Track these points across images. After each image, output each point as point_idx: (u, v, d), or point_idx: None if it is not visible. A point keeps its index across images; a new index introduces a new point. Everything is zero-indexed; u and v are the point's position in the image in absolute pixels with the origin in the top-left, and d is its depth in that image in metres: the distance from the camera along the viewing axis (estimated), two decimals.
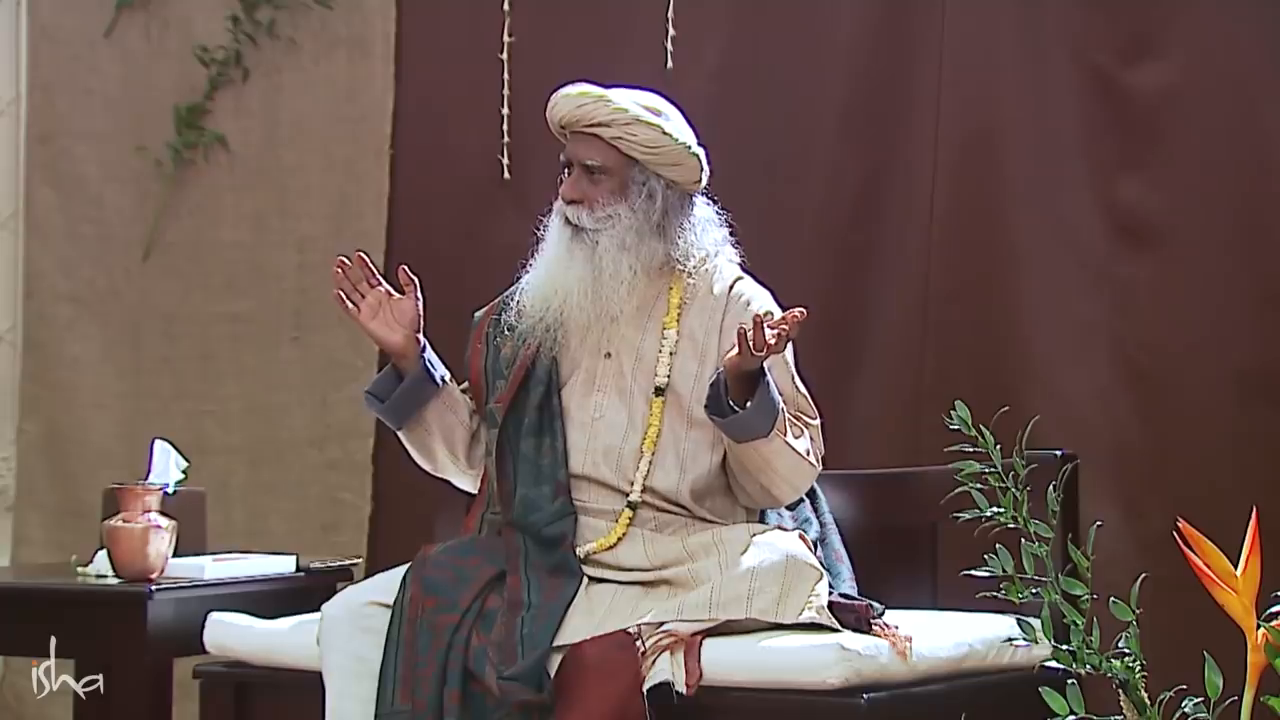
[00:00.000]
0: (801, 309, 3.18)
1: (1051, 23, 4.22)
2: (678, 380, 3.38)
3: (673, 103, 3.48)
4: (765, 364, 3.23)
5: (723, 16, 4.54)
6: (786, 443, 3.27)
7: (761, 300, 3.44)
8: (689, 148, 3.41)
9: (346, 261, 3.44)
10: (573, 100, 3.40)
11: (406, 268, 3.48)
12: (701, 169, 3.44)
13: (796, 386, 3.39)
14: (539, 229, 3.49)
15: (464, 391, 3.54)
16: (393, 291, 3.45)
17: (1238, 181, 4.06)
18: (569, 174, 3.43)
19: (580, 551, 3.31)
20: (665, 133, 3.39)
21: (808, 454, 3.32)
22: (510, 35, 4.72)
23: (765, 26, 4.50)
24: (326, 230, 4.92)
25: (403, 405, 3.44)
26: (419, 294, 3.46)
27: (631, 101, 3.40)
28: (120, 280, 5.09)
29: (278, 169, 4.98)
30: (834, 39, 4.43)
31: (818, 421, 3.38)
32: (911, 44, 4.35)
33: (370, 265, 3.45)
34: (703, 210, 3.48)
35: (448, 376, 3.49)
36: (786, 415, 3.28)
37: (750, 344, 3.15)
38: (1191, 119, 4.10)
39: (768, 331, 3.16)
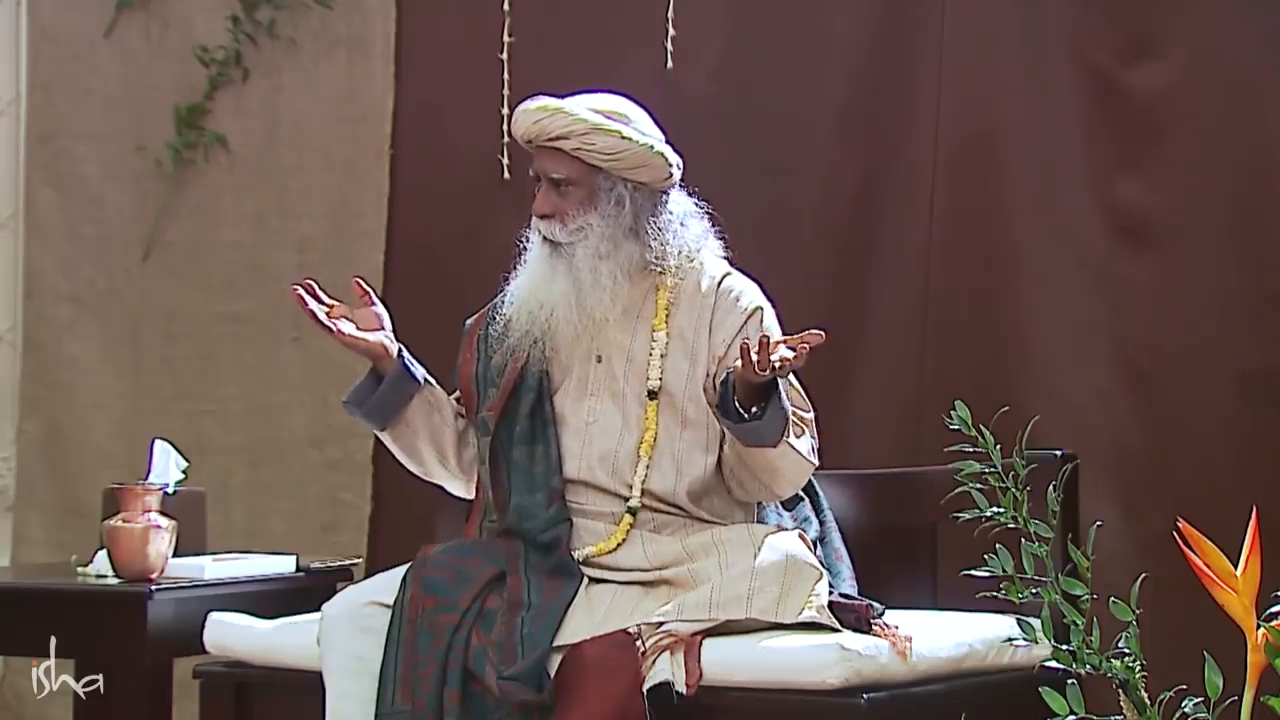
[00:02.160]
0: (819, 331, 3.14)
1: (1051, 23, 4.22)
2: (670, 381, 3.38)
3: (638, 103, 3.46)
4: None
5: (723, 16, 4.54)
6: (791, 445, 3.26)
7: (750, 295, 3.44)
8: (652, 148, 3.39)
9: (303, 294, 3.42)
10: (530, 115, 3.39)
11: (360, 280, 3.48)
12: (670, 166, 3.42)
13: (790, 380, 3.38)
14: (528, 236, 3.49)
15: (455, 399, 3.54)
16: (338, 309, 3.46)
17: (1237, 181, 4.06)
18: (539, 184, 3.42)
19: (579, 555, 3.31)
20: (624, 137, 3.36)
21: (809, 453, 3.32)
22: (510, 35, 4.72)
23: (765, 26, 4.50)
24: (326, 230, 4.92)
25: (384, 405, 3.44)
26: (374, 300, 3.47)
27: (588, 110, 3.37)
28: (120, 280, 5.08)
29: (278, 169, 4.98)
30: (834, 39, 4.43)
31: (812, 415, 3.37)
32: (911, 44, 4.34)
33: (318, 290, 3.44)
34: (679, 205, 3.45)
35: (428, 377, 3.49)
36: (791, 419, 3.27)
37: (754, 363, 3.13)
38: (1191, 119, 4.10)
39: (781, 351, 3.12)
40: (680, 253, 3.43)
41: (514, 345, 3.44)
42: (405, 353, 3.46)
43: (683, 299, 3.42)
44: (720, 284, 3.43)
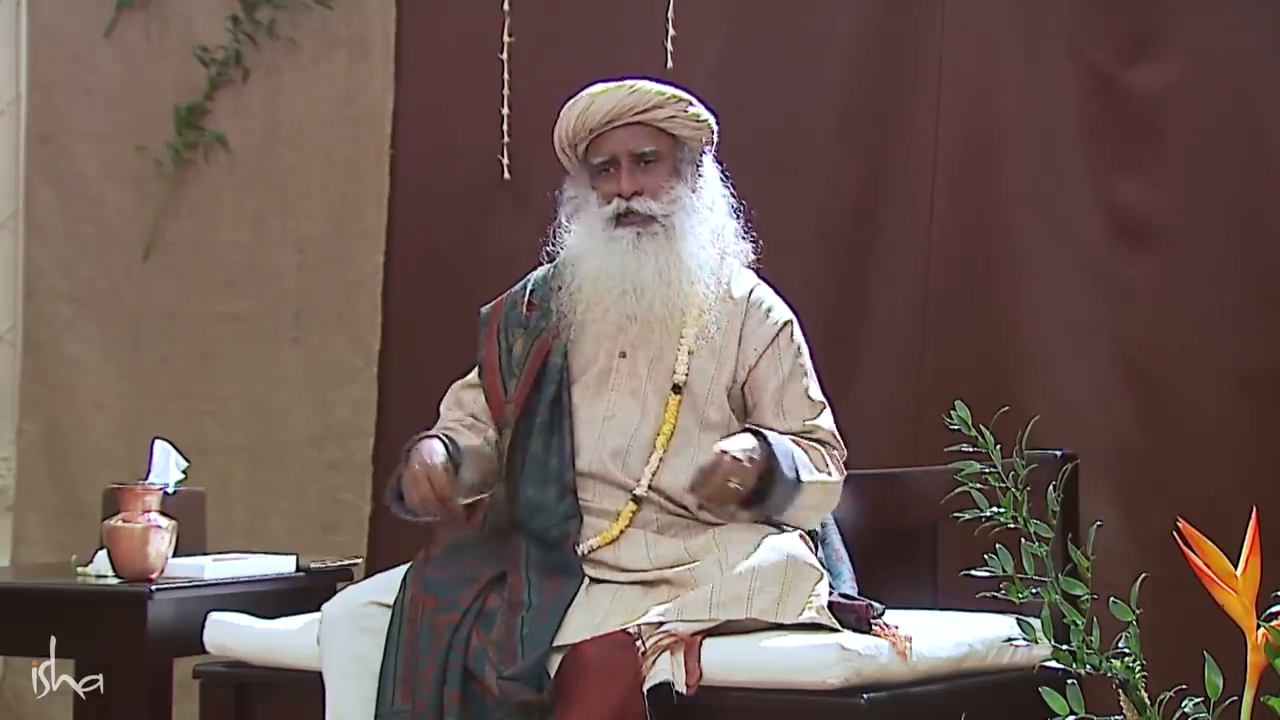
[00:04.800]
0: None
1: (1051, 22, 4.22)
2: (695, 380, 3.38)
3: None
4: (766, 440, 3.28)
5: (723, 16, 4.54)
6: (812, 485, 3.31)
7: (780, 309, 3.46)
8: (713, 129, 3.47)
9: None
10: (615, 94, 3.41)
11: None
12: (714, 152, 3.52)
13: (809, 396, 3.41)
14: (541, 230, 3.49)
15: (474, 386, 3.53)
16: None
17: (1237, 181, 4.06)
18: (610, 172, 3.41)
19: (582, 548, 3.31)
20: (699, 111, 3.45)
21: (827, 482, 3.34)
22: (510, 35, 4.72)
23: (765, 26, 4.50)
24: (326, 230, 4.92)
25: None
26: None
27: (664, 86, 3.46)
28: (120, 280, 5.09)
29: (278, 169, 4.98)
30: (834, 39, 4.43)
31: (831, 432, 3.41)
32: (911, 44, 4.35)
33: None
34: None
35: (463, 442, 3.43)
36: (799, 460, 3.30)
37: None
38: (1191, 119, 4.10)
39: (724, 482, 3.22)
40: (724, 246, 3.46)
41: (543, 329, 3.44)
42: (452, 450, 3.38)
43: (715, 302, 3.42)
44: (751, 294, 3.45)
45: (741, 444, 3.26)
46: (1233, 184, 4.06)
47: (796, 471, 3.28)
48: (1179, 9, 4.11)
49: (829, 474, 3.36)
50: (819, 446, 3.38)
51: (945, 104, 4.29)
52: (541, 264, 3.54)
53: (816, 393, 3.43)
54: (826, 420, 3.41)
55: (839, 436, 3.43)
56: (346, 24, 4.92)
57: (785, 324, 3.43)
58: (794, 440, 3.35)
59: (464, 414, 3.52)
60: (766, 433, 3.30)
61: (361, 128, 4.89)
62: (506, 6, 4.72)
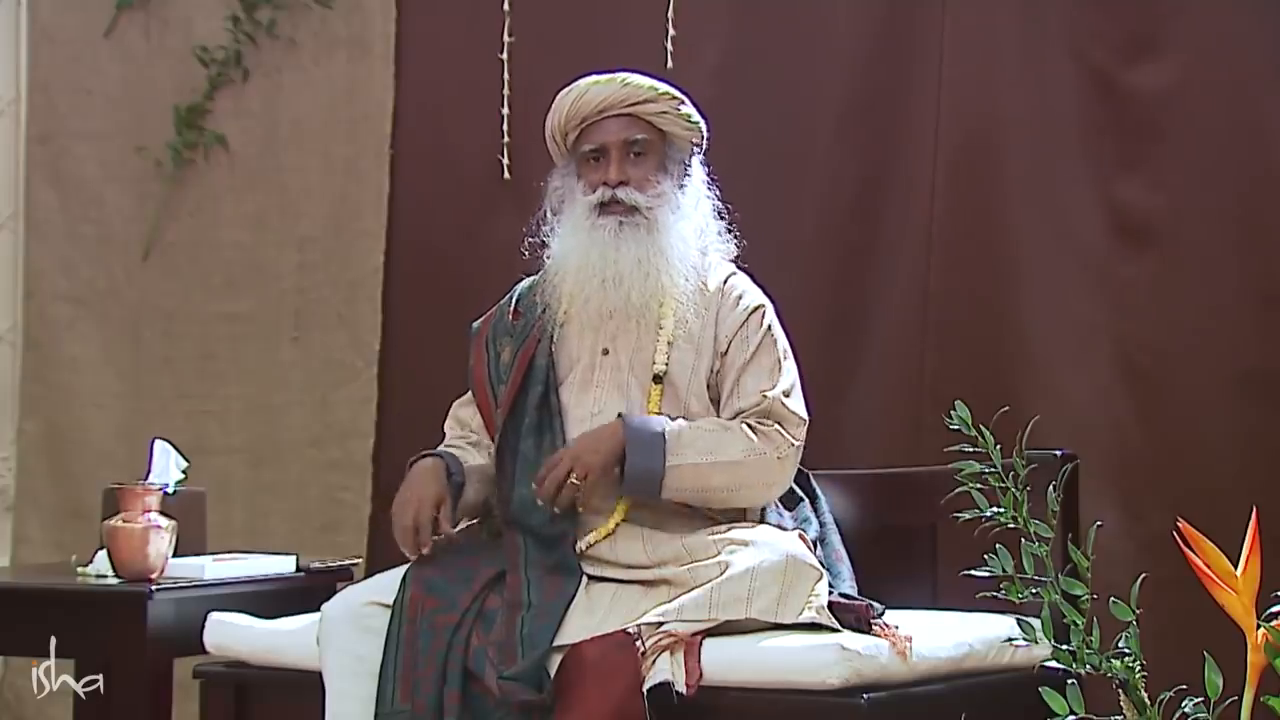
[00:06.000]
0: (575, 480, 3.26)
1: (1052, 22, 4.22)
2: (675, 372, 3.39)
3: None
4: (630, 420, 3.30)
5: (723, 16, 4.54)
6: (686, 468, 3.28)
7: (752, 294, 3.46)
8: (702, 129, 3.49)
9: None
10: (609, 85, 3.43)
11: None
12: (703, 151, 3.52)
13: (769, 373, 3.39)
14: (538, 228, 3.49)
15: (471, 403, 3.54)
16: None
17: (1238, 181, 4.06)
18: (597, 161, 3.43)
19: (580, 544, 3.31)
20: (689, 110, 3.47)
21: (721, 462, 3.30)
22: (510, 35, 4.72)
23: (765, 26, 4.50)
24: (326, 230, 4.92)
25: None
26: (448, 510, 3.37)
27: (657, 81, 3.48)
28: (120, 280, 5.09)
29: (278, 169, 4.98)
30: (834, 39, 4.43)
31: (781, 401, 3.37)
32: (911, 43, 4.34)
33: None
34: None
35: (469, 465, 3.46)
36: (689, 437, 3.29)
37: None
38: (1191, 119, 4.09)
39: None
40: (705, 241, 3.46)
41: (530, 326, 3.45)
42: (453, 475, 3.41)
43: (692, 294, 3.42)
44: (726, 283, 3.47)
45: (583, 441, 3.29)
46: (1233, 184, 4.06)
47: (664, 455, 3.27)
48: (1179, 9, 4.11)
49: (747, 449, 3.31)
50: (759, 422, 3.34)
51: (945, 104, 4.29)
52: (530, 262, 3.54)
53: (784, 371, 3.40)
54: (781, 392, 3.37)
55: (797, 411, 3.37)
56: (346, 24, 4.92)
57: (755, 309, 3.44)
58: (714, 420, 3.35)
59: (465, 431, 3.54)
60: (627, 418, 3.30)
61: (361, 128, 4.89)
62: (506, 6, 4.72)
